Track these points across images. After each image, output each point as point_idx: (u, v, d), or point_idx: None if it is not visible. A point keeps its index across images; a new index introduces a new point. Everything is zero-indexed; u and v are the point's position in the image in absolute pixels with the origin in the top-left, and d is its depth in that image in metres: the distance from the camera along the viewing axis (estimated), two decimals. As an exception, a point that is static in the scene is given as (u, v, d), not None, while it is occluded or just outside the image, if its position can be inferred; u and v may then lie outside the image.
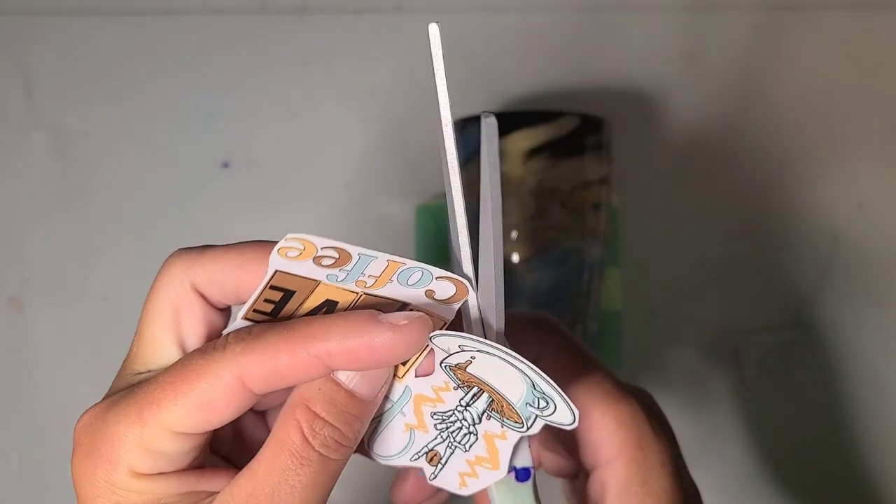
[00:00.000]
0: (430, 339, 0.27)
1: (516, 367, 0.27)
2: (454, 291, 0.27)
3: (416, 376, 0.29)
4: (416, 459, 0.30)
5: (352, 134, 0.61)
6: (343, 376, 0.26)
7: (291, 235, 0.27)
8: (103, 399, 0.27)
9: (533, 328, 0.30)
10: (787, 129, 0.61)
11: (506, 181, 0.45)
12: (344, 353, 0.25)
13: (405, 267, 0.26)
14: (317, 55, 0.62)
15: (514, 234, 0.45)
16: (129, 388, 0.27)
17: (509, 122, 0.45)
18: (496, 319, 0.28)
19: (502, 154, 0.45)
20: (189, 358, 0.26)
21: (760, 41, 0.62)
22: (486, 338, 0.28)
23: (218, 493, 0.26)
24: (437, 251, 0.54)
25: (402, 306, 0.27)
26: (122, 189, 0.60)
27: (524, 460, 0.30)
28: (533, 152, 0.45)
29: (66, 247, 0.60)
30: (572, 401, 0.27)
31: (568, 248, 0.46)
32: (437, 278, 0.27)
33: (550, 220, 0.45)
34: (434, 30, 0.26)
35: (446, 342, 0.28)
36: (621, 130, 0.56)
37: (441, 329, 0.28)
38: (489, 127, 0.27)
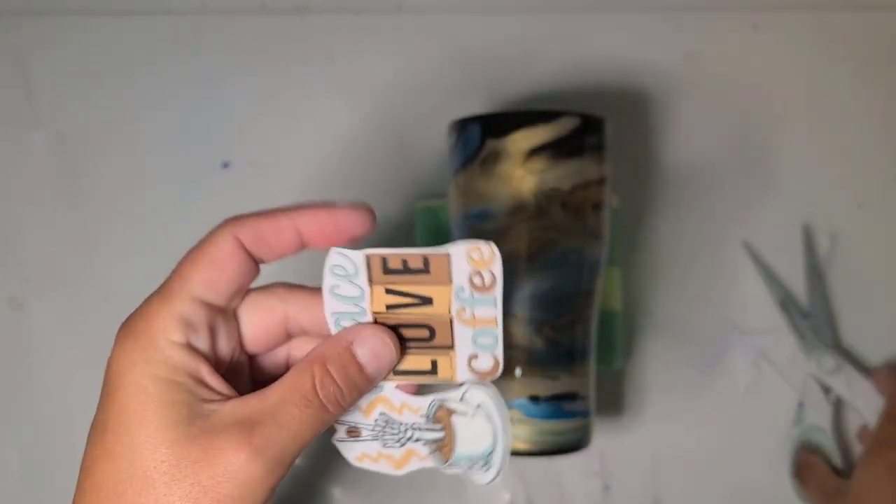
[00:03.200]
0: (468, 387, 0.34)
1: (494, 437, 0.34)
2: (490, 367, 0.34)
3: (395, 387, 0.35)
4: (339, 423, 0.35)
5: (352, 134, 0.61)
6: (359, 351, 0.33)
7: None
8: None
9: None
10: (786, 128, 0.61)
11: (506, 181, 0.45)
12: (315, 224, 0.33)
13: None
14: (317, 55, 0.62)
15: (515, 235, 0.45)
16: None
17: (509, 122, 0.45)
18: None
19: (503, 154, 0.45)
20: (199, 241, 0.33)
21: (759, 41, 0.62)
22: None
23: (230, 398, 0.32)
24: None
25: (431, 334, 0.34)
26: (122, 189, 0.60)
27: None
28: (533, 152, 0.45)
29: (66, 246, 0.60)
30: None
31: (568, 248, 0.46)
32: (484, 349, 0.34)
33: (550, 220, 0.45)
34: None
35: (475, 396, 0.34)
36: (621, 131, 0.56)
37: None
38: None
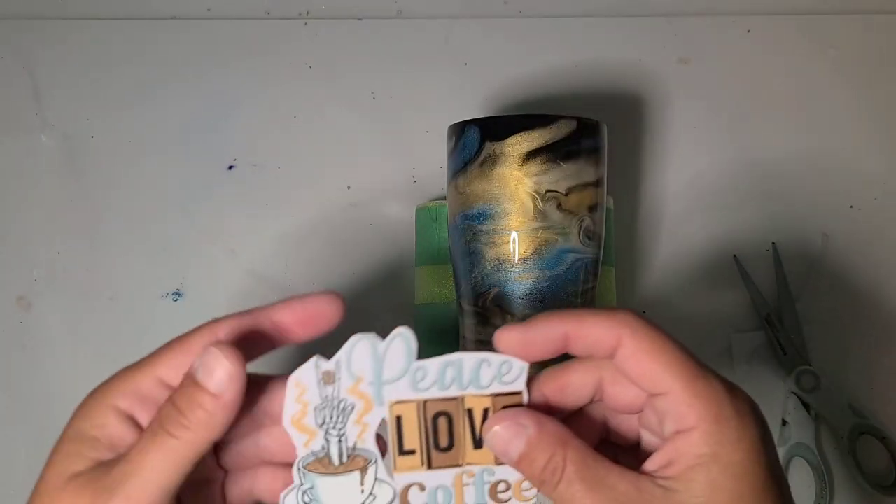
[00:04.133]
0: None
1: None
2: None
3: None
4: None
5: (354, 136, 0.62)
6: (198, 374, 0.32)
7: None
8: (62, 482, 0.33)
9: (611, 316, 0.33)
10: (779, 130, 0.62)
11: (504, 183, 0.46)
12: (290, 316, 0.34)
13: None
14: (320, 59, 0.62)
15: (513, 236, 0.46)
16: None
17: (507, 125, 0.46)
18: None
19: (501, 157, 0.46)
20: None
21: (754, 45, 0.63)
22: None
23: None
24: (437, 252, 0.55)
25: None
26: (128, 190, 0.61)
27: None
28: (530, 155, 0.46)
29: (73, 247, 0.60)
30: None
31: (565, 248, 0.46)
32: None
33: (548, 221, 0.46)
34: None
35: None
36: (616, 133, 0.56)
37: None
38: None
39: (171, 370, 0.32)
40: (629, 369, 0.32)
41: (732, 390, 0.32)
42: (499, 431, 0.33)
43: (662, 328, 0.33)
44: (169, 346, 0.33)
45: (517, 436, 0.32)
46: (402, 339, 0.32)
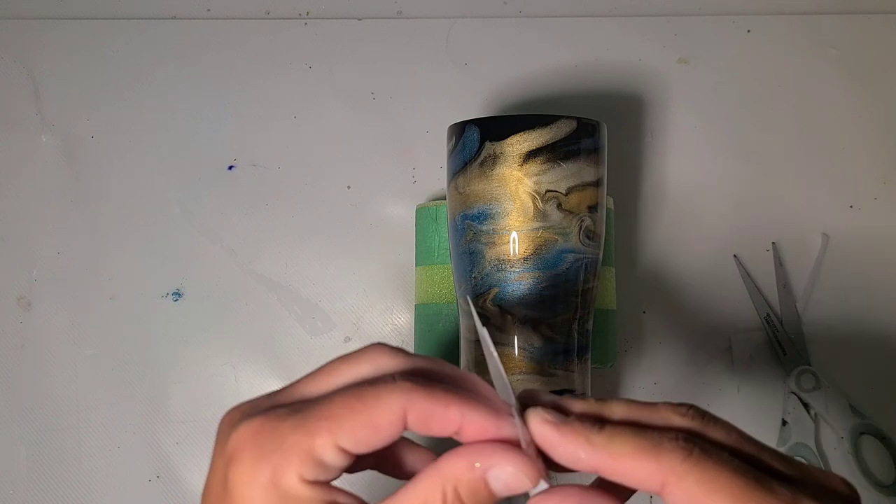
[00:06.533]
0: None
1: None
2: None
3: None
4: None
5: (354, 136, 0.62)
6: (494, 484, 0.30)
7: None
8: (262, 413, 0.30)
9: (654, 457, 0.30)
10: (779, 130, 0.62)
11: (504, 183, 0.46)
12: (479, 426, 0.30)
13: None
14: (320, 59, 0.63)
15: (513, 236, 0.46)
16: (295, 404, 0.30)
17: (507, 125, 0.46)
18: None
19: (501, 157, 0.46)
20: (360, 385, 0.30)
21: (754, 45, 0.63)
22: None
23: None
24: (437, 251, 0.55)
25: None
26: (128, 190, 0.61)
27: None
28: (530, 155, 0.46)
29: (73, 247, 0.61)
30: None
31: (565, 248, 0.46)
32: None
33: (548, 221, 0.46)
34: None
35: None
36: (616, 133, 0.56)
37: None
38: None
39: (353, 443, 0.29)
40: None
41: None
42: None
43: (717, 454, 0.29)
44: (351, 406, 0.29)
45: None
46: None
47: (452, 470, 0.30)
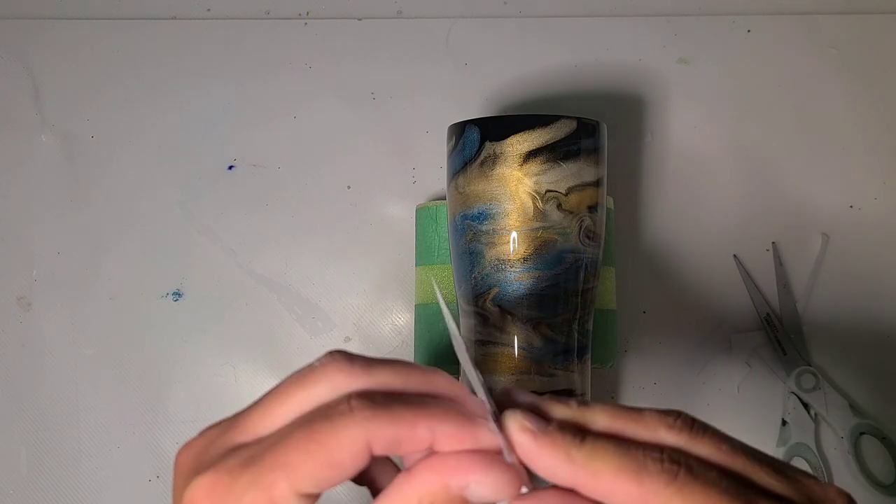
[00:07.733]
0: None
1: None
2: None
3: None
4: None
5: (354, 136, 0.62)
6: (468, 492, 0.28)
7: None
8: (210, 467, 0.28)
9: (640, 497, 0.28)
10: (779, 131, 0.62)
11: (504, 183, 0.46)
12: (453, 438, 0.28)
13: None
14: (320, 59, 0.63)
15: (513, 236, 0.46)
16: (248, 448, 0.28)
17: (507, 125, 0.46)
18: None
19: (501, 157, 0.46)
20: (313, 420, 0.28)
21: (754, 45, 0.63)
22: None
23: None
24: (437, 251, 0.55)
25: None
26: (128, 190, 0.61)
27: None
28: (530, 155, 0.46)
29: (73, 247, 0.61)
30: None
31: (565, 248, 0.47)
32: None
33: (548, 221, 0.46)
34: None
35: None
36: (616, 133, 0.57)
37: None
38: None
39: (314, 485, 0.27)
40: None
41: None
42: None
43: (704, 476, 0.28)
44: (305, 449, 0.27)
45: None
46: None
47: (427, 486, 0.28)
